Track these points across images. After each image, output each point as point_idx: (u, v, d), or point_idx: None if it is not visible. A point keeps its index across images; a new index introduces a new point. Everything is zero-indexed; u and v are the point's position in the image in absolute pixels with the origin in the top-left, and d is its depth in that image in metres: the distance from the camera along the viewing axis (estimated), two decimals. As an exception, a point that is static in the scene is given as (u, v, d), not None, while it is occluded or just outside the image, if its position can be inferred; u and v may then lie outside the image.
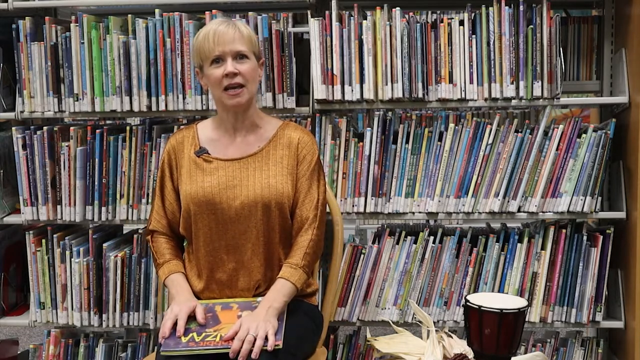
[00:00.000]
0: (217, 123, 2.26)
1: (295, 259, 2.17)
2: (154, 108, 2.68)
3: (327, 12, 2.60)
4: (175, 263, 2.25)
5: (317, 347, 2.29)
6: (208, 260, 2.21)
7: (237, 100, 2.14)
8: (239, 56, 2.13)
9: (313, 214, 2.20)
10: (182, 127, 2.35)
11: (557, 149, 2.62)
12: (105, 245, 2.75)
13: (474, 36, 2.59)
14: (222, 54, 2.12)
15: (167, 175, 2.27)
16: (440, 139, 2.65)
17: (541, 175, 2.62)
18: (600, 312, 2.67)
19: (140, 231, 2.78)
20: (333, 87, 2.61)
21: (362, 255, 2.70)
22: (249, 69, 2.14)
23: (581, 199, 2.62)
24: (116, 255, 2.73)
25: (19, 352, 3.13)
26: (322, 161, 2.38)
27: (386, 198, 2.67)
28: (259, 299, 2.15)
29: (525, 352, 2.73)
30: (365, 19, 2.60)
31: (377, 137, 2.65)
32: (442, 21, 2.60)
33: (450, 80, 2.61)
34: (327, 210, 2.41)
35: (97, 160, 2.70)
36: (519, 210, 2.65)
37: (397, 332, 2.30)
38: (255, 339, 1.96)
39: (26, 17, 2.70)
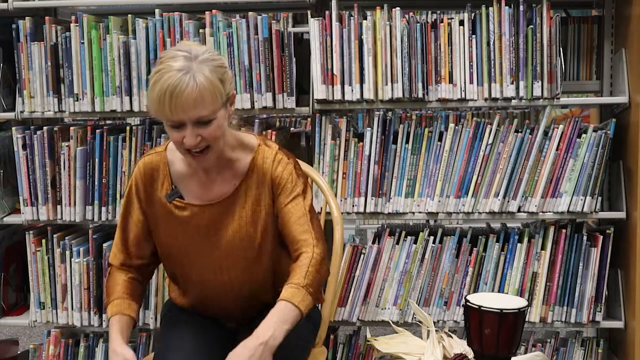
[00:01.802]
0: None
1: (296, 278, 1.90)
2: (154, 108, 2.67)
3: (327, 12, 2.60)
4: (117, 303, 1.99)
5: (314, 345, 2.28)
6: (191, 301, 2.10)
7: (203, 164, 1.92)
8: (201, 122, 1.82)
9: (309, 234, 1.97)
10: (151, 150, 2.09)
11: (557, 149, 2.62)
12: (105, 245, 2.75)
13: (474, 36, 2.59)
14: (181, 121, 1.81)
15: (134, 205, 2.03)
16: (440, 139, 2.65)
17: (541, 175, 2.62)
18: (600, 312, 2.67)
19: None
20: (333, 87, 2.61)
21: (362, 255, 2.70)
22: (213, 131, 1.84)
23: (581, 199, 2.62)
24: (116, 255, 2.73)
25: (19, 352, 3.13)
26: (301, 167, 2.11)
27: (386, 198, 2.67)
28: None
29: (525, 352, 2.73)
30: (365, 19, 2.60)
31: (377, 137, 2.65)
32: (442, 21, 2.60)
33: (450, 80, 2.61)
34: (327, 210, 2.41)
35: (97, 160, 2.70)
36: (519, 210, 2.65)
37: (397, 332, 2.30)
38: None
39: (26, 17, 2.70)
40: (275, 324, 1.81)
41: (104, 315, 2.76)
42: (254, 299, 2.07)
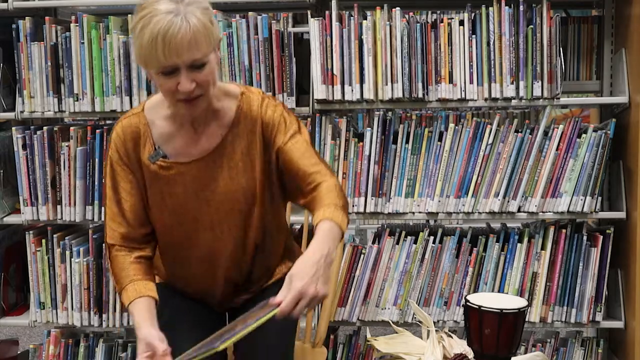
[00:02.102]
0: (171, 110, 1.88)
1: (329, 199, 1.78)
2: (154, 108, 2.67)
3: (327, 12, 2.60)
4: (132, 289, 1.85)
5: (314, 346, 2.29)
6: (172, 272, 2.00)
7: (194, 110, 1.80)
8: (195, 66, 1.73)
9: (320, 166, 1.87)
10: (127, 113, 1.95)
11: (557, 149, 2.62)
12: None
13: (474, 36, 2.59)
14: (175, 65, 1.71)
15: (122, 174, 1.89)
16: (440, 139, 2.65)
17: (541, 175, 2.62)
18: (600, 312, 2.67)
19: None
20: (333, 87, 2.61)
21: (362, 255, 2.70)
22: (207, 75, 1.76)
23: (581, 199, 2.62)
24: (116, 255, 2.73)
25: (19, 352, 3.13)
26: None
27: (386, 198, 2.67)
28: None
29: (525, 352, 2.73)
30: (365, 19, 2.60)
31: (377, 137, 2.65)
32: (442, 21, 2.60)
33: (450, 80, 2.61)
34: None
35: (97, 160, 2.70)
36: (519, 210, 2.65)
37: (397, 332, 2.30)
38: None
39: (26, 17, 2.70)
40: (329, 241, 1.71)
41: (104, 315, 2.76)
42: (241, 268, 1.99)
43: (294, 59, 2.62)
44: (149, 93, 2.65)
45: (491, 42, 2.58)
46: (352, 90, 2.61)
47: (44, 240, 2.78)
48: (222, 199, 1.89)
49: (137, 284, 1.85)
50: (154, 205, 1.91)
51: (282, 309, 1.62)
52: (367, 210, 2.68)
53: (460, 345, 2.14)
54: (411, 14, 2.81)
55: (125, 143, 1.88)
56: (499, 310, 1.91)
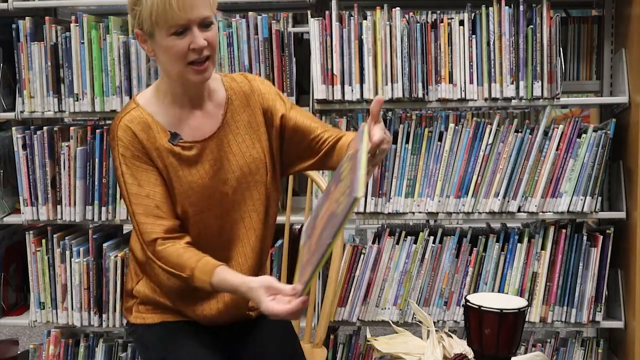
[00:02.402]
0: (169, 98, 1.89)
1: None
2: (154, 108, 2.67)
3: (327, 12, 2.61)
4: (203, 263, 1.80)
5: (314, 345, 2.29)
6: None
7: (205, 75, 1.82)
8: (204, 24, 1.78)
9: (329, 126, 1.99)
10: (121, 112, 1.90)
11: (557, 149, 2.62)
12: (105, 245, 2.75)
13: (474, 36, 2.59)
14: (188, 22, 1.75)
15: (138, 169, 1.85)
16: (440, 139, 2.65)
17: (541, 175, 2.62)
18: (600, 312, 2.67)
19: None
20: (333, 87, 2.62)
21: (362, 255, 2.71)
22: (215, 35, 1.81)
23: (581, 199, 2.62)
24: (116, 255, 2.73)
25: (19, 352, 3.13)
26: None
27: (386, 198, 2.67)
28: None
29: (525, 352, 2.73)
30: (365, 19, 2.60)
31: (377, 137, 2.65)
32: (442, 21, 2.60)
33: (450, 80, 2.61)
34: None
35: (97, 160, 2.70)
36: (519, 210, 2.65)
37: (397, 332, 2.31)
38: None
39: (26, 17, 2.70)
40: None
41: (104, 315, 2.76)
42: (263, 246, 1.98)
43: (294, 59, 2.62)
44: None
45: (491, 42, 2.58)
46: (352, 90, 2.62)
47: (44, 240, 2.78)
48: (239, 175, 1.91)
49: (206, 258, 1.81)
50: (181, 193, 1.88)
51: (375, 137, 1.69)
52: (367, 210, 2.68)
53: (460, 345, 2.14)
54: (411, 14, 2.82)
55: (137, 135, 1.84)
56: (499, 310, 1.91)
